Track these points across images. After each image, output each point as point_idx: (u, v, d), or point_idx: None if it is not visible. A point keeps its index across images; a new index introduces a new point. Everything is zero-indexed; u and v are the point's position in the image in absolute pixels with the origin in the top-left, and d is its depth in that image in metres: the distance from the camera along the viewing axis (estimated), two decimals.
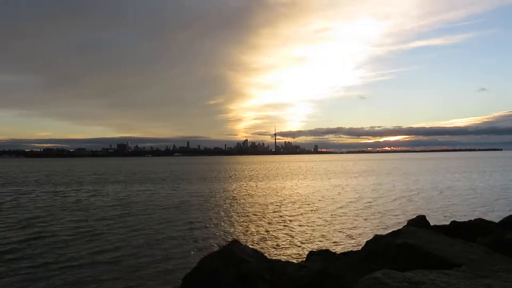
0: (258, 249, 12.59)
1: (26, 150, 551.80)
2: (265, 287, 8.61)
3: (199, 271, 9.50)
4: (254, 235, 22.92)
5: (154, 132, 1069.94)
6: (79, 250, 19.53)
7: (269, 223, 26.67)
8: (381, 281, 5.53)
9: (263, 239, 21.83)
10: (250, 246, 12.82)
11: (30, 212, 32.09)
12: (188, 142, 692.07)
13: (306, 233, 23.23)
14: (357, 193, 45.26)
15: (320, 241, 21.09)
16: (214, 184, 62.30)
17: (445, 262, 7.55)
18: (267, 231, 24.11)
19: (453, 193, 43.42)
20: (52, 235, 23.02)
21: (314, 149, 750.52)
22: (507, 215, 13.06)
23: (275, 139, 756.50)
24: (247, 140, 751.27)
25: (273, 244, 20.54)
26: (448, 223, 12.35)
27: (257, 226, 25.85)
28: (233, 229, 24.92)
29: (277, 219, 28.43)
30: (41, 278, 15.38)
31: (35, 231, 24.38)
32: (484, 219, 12.28)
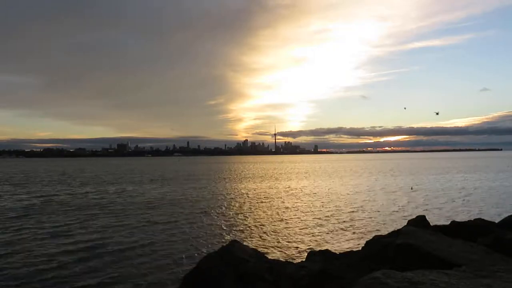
0: (258, 249, 12.59)
1: (26, 150, 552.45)
2: (265, 287, 8.61)
3: (199, 271, 9.50)
4: (254, 235, 22.92)
5: (154, 132, 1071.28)
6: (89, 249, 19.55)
7: (269, 223, 26.67)
8: (381, 281, 5.52)
9: (263, 239, 21.83)
10: (250, 246, 12.82)
11: (66, 216, 30.22)
12: (188, 142, 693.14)
13: (306, 233, 23.23)
14: (357, 192, 45.27)
15: (320, 241, 21.09)
16: (218, 184, 62.37)
17: (445, 262, 7.55)
18: (267, 231, 24.11)
19: (453, 193, 43.42)
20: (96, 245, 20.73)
21: (314, 149, 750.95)
22: (507, 215, 13.08)
23: (275, 139, 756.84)
24: (247, 140, 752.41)
25: (273, 244, 20.54)
26: (448, 223, 12.36)
27: (257, 226, 25.85)
28: (233, 229, 24.92)
29: (277, 219, 28.43)
30: None
31: (81, 239, 22.04)
32: (484, 219, 12.29)
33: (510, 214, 13.17)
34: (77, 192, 49.59)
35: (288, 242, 21.09)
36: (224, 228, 25.26)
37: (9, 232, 24.25)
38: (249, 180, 70.62)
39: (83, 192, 50.00)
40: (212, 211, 32.51)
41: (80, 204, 37.66)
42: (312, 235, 22.66)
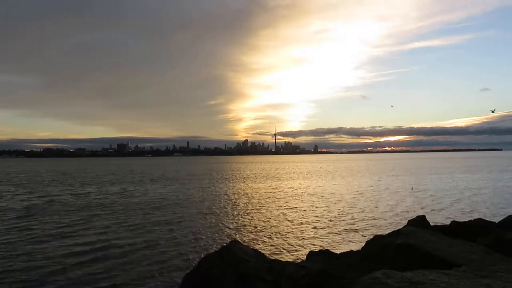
0: (258, 249, 12.60)
1: (26, 150, 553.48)
2: (265, 287, 8.62)
3: (199, 271, 9.52)
4: (254, 235, 22.92)
5: (154, 132, 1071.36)
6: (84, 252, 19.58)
7: (270, 223, 26.68)
8: (381, 281, 5.54)
9: (263, 239, 21.83)
10: (250, 246, 12.84)
11: (69, 217, 29.86)
12: (188, 142, 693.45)
13: (306, 233, 23.23)
14: (357, 193, 45.25)
15: (320, 241, 21.09)
16: (219, 184, 62.37)
17: (445, 262, 7.57)
18: (267, 231, 24.11)
19: (454, 192, 43.40)
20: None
21: (314, 149, 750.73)
22: (507, 215, 13.09)
23: (275, 139, 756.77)
24: (247, 140, 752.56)
25: (273, 244, 20.55)
26: (448, 223, 12.37)
27: (258, 226, 25.85)
28: (234, 229, 24.93)
29: (278, 219, 28.44)
30: None
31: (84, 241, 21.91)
32: (484, 219, 12.31)
33: (510, 214, 13.18)
34: (78, 192, 49.59)
35: (289, 242, 21.09)
36: (225, 228, 25.27)
37: (11, 233, 24.24)
38: (250, 180, 70.62)
39: (84, 192, 50.01)
40: (214, 211, 32.52)
41: (82, 204, 37.65)
42: (312, 235, 22.66)
